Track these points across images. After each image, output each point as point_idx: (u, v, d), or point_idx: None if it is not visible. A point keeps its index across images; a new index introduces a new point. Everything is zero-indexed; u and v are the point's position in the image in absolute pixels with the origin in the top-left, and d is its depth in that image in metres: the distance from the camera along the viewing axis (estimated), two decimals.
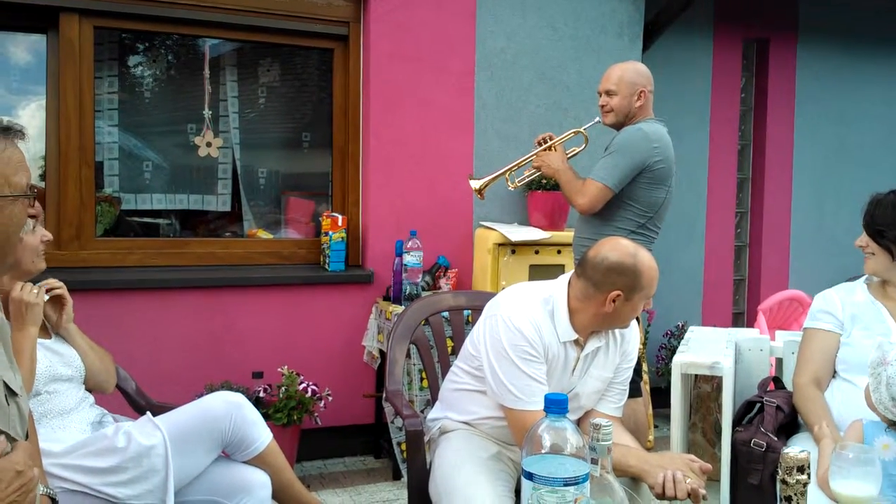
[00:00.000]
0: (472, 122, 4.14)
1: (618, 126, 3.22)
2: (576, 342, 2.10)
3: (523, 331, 2.02)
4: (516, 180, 3.52)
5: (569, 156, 3.35)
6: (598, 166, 3.11)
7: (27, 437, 1.57)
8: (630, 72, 3.20)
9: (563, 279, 2.15)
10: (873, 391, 2.00)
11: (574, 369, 2.12)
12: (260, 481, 2.14)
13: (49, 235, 2.22)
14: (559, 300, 2.09)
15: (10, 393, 1.48)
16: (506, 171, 3.46)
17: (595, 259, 2.04)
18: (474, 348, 2.17)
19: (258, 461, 2.18)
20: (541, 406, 1.90)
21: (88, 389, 2.30)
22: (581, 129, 3.42)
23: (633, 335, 2.23)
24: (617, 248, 2.04)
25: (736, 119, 5.16)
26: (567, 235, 3.76)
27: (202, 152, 4.00)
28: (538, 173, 3.43)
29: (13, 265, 1.47)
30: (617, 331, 2.17)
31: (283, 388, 3.58)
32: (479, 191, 3.45)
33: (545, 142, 3.36)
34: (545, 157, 3.30)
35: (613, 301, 2.01)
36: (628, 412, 2.35)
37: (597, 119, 3.36)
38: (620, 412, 2.25)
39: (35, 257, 2.17)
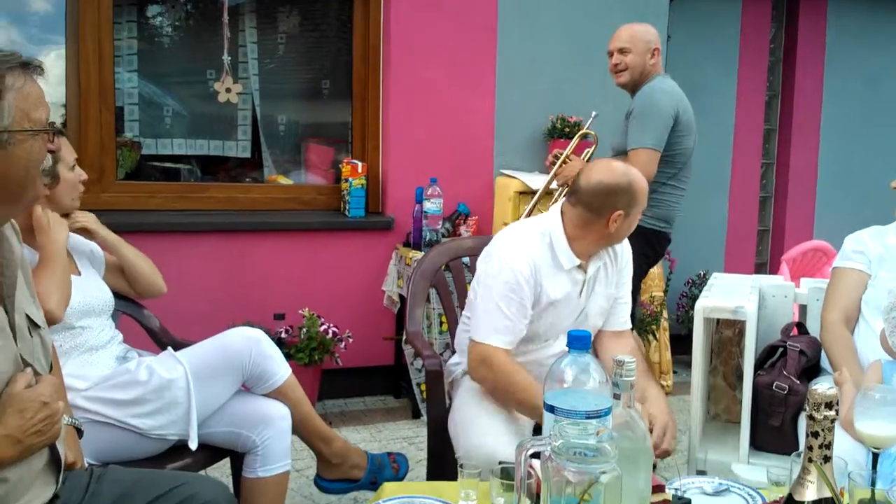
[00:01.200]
0: (494, 71, 4.08)
1: (631, 86, 3.24)
2: (579, 267, 2.15)
3: (515, 269, 2.06)
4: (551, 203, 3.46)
5: (585, 158, 3.34)
6: (633, 136, 3.10)
7: (51, 369, 1.59)
8: (642, 30, 3.24)
9: (555, 211, 2.19)
10: (890, 335, 2.02)
11: (581, 292, 2.17)
12: (280, 413, 2.16)
13: (85, 175, 2.26)
14: (556, 231, 2.13)
15: (34, 325, 1.49)
16: (537, 201, 3.42)
17: (590, 185, 2.09)
18: (473, 291, 2.21)
19: (278, 394, 2.20)
20: (503, 346, 2.04)
21: (140, 295, 2.41)
22: (585, 130, 3.43)
23: (625, 249, 2.29)
24: (608, 170, 2.11)
25: (764, 70, 5.05)
26: None
27: (221, 98, 3.97)
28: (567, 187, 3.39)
29: (34, 200, 1.46)
30: (612, 248, 2.23)
31: (304, 330, 3.61)
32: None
33: (557, 157, 3.34)
34: (566, 171, 3.26)
35: (615, 221, 2.08)
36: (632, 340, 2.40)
37: (594, 114, 3.40)
38: (629, 324, 2.35)
39: (75, 195, 2.21)
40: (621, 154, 3.19)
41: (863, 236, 2.38)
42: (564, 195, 2.22)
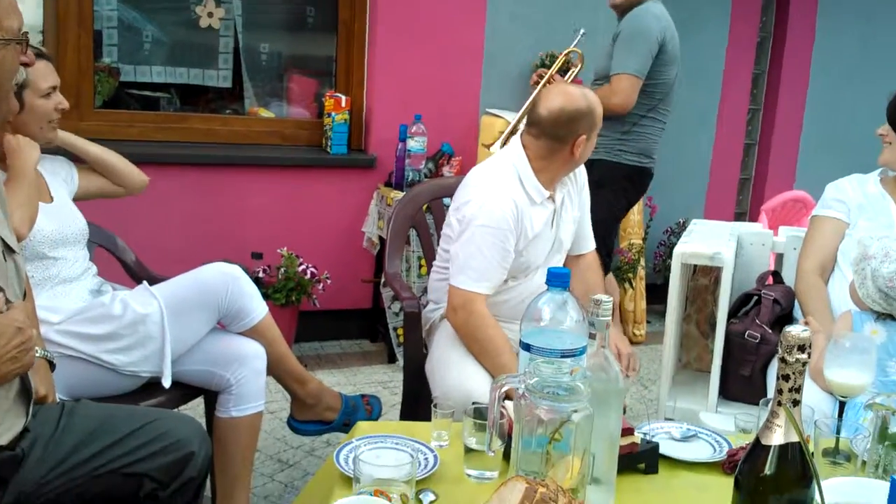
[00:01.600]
0: (485, 5, 3.99)
1: (623, 7, 3.17)
2: (549, 199, 2.17)
3: (499, 214, 2.05)
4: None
5: (569, 79, 3.27)
6: (616, 59, 3.06)
7: (25, 296, 1.56)
8: None
9: (516, 145, 2.18)
10: (859, 287, 2.05)
11: (553, 221, 2.19)
12: (255, 352, 2.16)
13: (66, 104, 2.17)
14: (523, 166, 2.13)
15: (8, 250, 1.47)
16: (517, 122, 3.34)
17: (552, 114, 2.08)
18: (447, 241, 2.19)
19: (253, 333, 2.19)
20: (485, 291, 2.04)
21: (126, 189, 2.36)
22: (571, 49, 3.35)
23: (580, 169, 2.31)
24: (566, 96, 2.11)
25: (757, 11, 4.97)
26: None
27: (203, 23, 3.87)
28: None
29: (6, 115, 1.40)
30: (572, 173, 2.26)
31: (282, 270, 3.59)
32: (503, 144, 3.32)
33: (541, 77, 3.27)
34: None
35: (579, 146, 2.09)
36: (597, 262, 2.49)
37: (582, 31, 3.33)
38: (592, 244, 2.42)
39: (44, 124, 2.12)
40: (603, 78, 3.15)
41: (844, 184, 2.38)
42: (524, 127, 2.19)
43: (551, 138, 2.09)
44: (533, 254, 2.17)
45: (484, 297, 2.07)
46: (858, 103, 5.17)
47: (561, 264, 2.29)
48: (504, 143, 3.28)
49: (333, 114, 3.84)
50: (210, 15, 3.85)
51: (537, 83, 3.31)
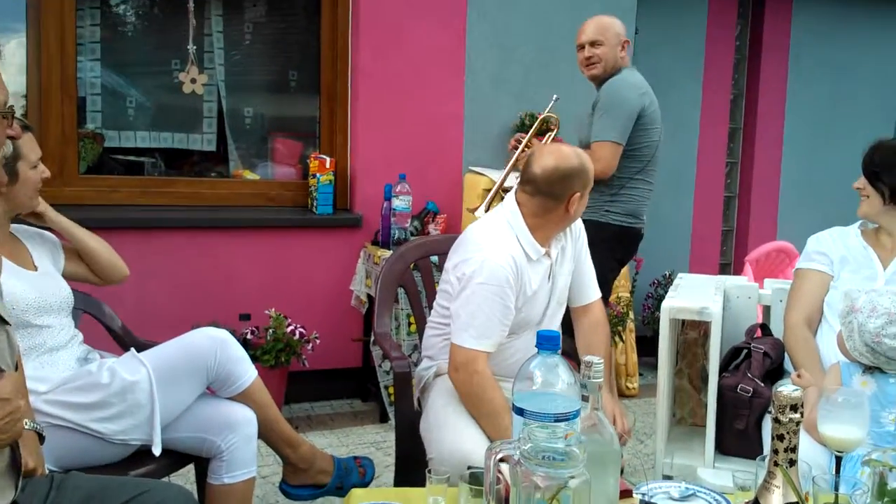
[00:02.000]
0: (464, 64, 4.06)
1: (601, 78, 3.23)
2: (546, 255, 2.19)
3: (499, 272, 2.05)
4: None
5: (546, 141, 3.35)
6: (597, 128, 3.11)
7: (17, 367, 1.54)
8: (611, 22, 3.25)
9: (511, 202, 2.20)
10: (847, 339, 2.06)
11: (549, 277, 2.21)
12: (246, 417, 2.13)
13: (48, 173, 2.21)
14: (518, 224, 2.15)
15: (1, 321, 1.45)
16: (499, 187, 3.39)
17: (546, 174, 2.11)
18: (446, 298, 2.19)
19: (243, 398, 2.17)
20: (488, 349, 2.05)
21: (103, 280, 2.38)
22: (546, 113, 3.42)
23: (576, 222, 2.32)
24: (559, 155, 2.14)
25: (729, 67, 5.11)
26: None
27: (187, 89, 3.91)
28: None
29: None
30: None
31: (270, 331, 3.57)
32: (487, 209, 3.36)
33: (519, 142, 3.34)
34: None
35: (574, 203, 2.13)
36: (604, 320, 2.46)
37: (555, 97, 3.41)
38: (595, 294, 2.40)
39: (33, 194, 2.16)
40: (585, 147, 3.19)
41: (825, 237, 2.42)
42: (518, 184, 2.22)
43: (546, 196, 2.12)
44: (531, 310, 2.18)
45: (486, 355, 2.06)
46: (833, 154, 5.29)
47: (560, 318, 2.30)
48: (488, 208, 3.32)
49: (318, 174, 3.87)
50: (193, 81, 3.90)
51: (516, 147, 3.36)
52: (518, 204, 2.18)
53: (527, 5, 4.15)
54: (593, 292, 2.40)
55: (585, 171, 2.14)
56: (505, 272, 2.05)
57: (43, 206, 2.24)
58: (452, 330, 2.11)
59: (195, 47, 3.91)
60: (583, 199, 2.16)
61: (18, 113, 1.45)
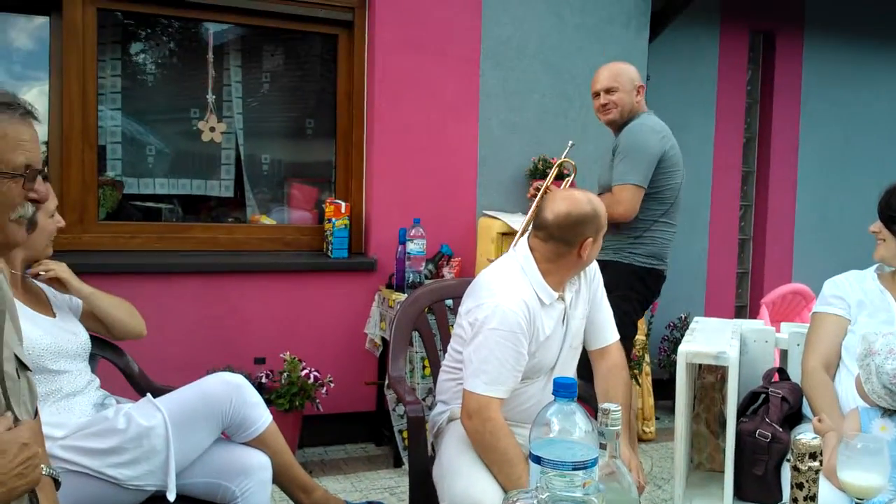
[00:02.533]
0: (477, 111, 4.12)
1: (617, 124, 3.25)
2: (559, 299, 2.19)
3: (511, 318, 2.04)
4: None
5: (564, 186, 3.38)
6: (618, 172, 3.12)
7: (36, 413, 1.56)
8: (625, 68, 3.27)
9: (523, 247, 2.21)
10: (865, 382, 2.04)
11: (564, 320, 2.21)
12: (260, 463, 2.13)
13: (63, 223, 2.28)
14: (530, 269, 2.16)
15: (22, 367, 1.47)
16: (521, 235, 3.41)
17: (558, 219, 2.12)
18: (460, 342, 2.19)
19: (258, 443, 2.17)
20: (501, 396, 2.03)
21: (118, 340, 2.43)
22: (564, 160, 3.43)
23: (595, 269, 2.34)
24: (572, 201, 2.14)
25: (742, 111, 5.14)
26: None
27: (205, 137, 3.98)
28: None
29: (5, 246, 1.42)
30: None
31: (285, 374, 3.57)
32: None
33: (538, 190, 3.37)
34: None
35: (586, 249, 2.13)
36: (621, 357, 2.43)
37: (571, 143, 3.42)
38: (613, 337, 2.38)
39: (47, 242, 2.22)
40: (606, 190, 3.21)
41: (841, 281, 2.41)
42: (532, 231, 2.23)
43: (558, 241, 2.13)
44: (545, 355, 2.17)
45: (499, 401, 2.04)
46: (847, 196, 5.30)
47: (575, 363, 2.28)
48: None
49: (334, 219, 3.91)
50: (212, 129, 3.98)
51: (534, 196, 3.38)
52: (531, 249, 2.18)
53: (539, 53, 4.21)
54: (610, 335, 2.37)
55: (598, 217, 2.14)
56: (517, 318, 2.04)
57: (67, 274, 2.28)
58: (465, 375, 2.10)
59: (214, 96, 3.99)
60: (595, 243, 2.16)
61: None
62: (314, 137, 4.36)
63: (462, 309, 2.21)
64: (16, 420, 1.40)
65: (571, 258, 2.14)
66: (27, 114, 1.38)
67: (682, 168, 3.22)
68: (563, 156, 3.45)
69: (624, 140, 3.16)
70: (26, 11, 3.69)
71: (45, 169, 1.51)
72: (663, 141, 3.14)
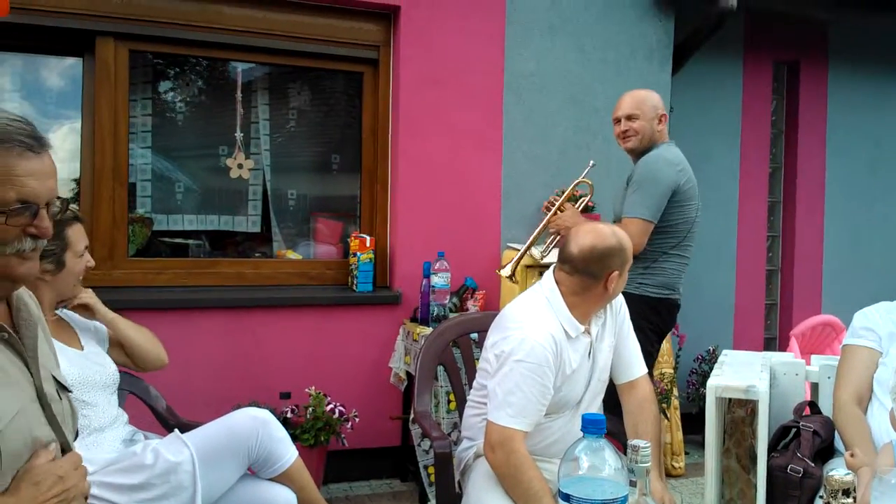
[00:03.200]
0: (501, 145, 4.15)
1: (638, 151, 3.23)
2: (585, 332, 2.19)
3: (538, 350, 2.05)
4: (542, 251, 3.51)
5: (580, 206, 3.36)
6: (629, 203, 3.10)
7: (76, 435, 1.57)
8: (647, 96, 3.26)
9: (549, 280, 2.21)
10: None
11: (590, 354, 2.21)
12: (285, 498, 2.14)
13: (93, 263, 2.31)
14: (556, 302, 2.16)
15: (62, 389, 1.48)
16: (529, 245, 3.43)
17: (584, 253, 2.13)
18: (484, 376, 2.19)
19: (284, 478, 2.18)
20: (525, 429, 2.02)
21: (141, 370, 2.46)
22: (582, 179, 3.41)
23: (621, 302, 2.35)
24: (597, 234, 2.16)
25: (767, 142, 5.12)
26: None
27: (234, 174, 4.05)
28: (560, 236, 3.40)
29: (4, 277, 1.41)
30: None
31: (310, 409, 3.57)
32: (511, 276, 3.38)
33: (553, 203, 3.37)
34: (559, 220, 3.30)
35: (612, 282, 2.13)
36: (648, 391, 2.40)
37: (592, 163, 3.40)
38: (641, 370, 2.36)
39: (76, 282, 2.26)
40: (617, 221, 3.20)
41: (872, 313, 2.38)
42: (555, 261, 2.24)
43: (584, 275, 2.13)
44: (571, 390, 2.17)
45: (523, 434, 2.03)
46: (875, 225, 5.25)
47: (601, 398, 2.27)
48: (513, 270, 3.35)
49: (359, 253, 3.93)
50: (240, 166, 4.04)
51: (548, 209, 3.37)
52: (557, 282, 2.19)
53: (562, 86, 4.24)
54: (638, 368, 2.36)
55: (623, 250, 2.15)
56: (544, 351, 2.04)
57: (93, 300, 2.35)
58: (489, 408, 2.09)
59: (242, 134, 4.06)
60: (622, 276, 2.16)
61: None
62: (339, 173, 4.41)
63: (488, 342, 2.21)
64: (63, 447, 1.42)
65: (597, 291, 2.14)
66: (27, 148, 1.34)
67: (697, 201, 3.18)
68: (582, 175, 3.42)
69: (639, 171, 3.14)
70: (60, 53, 3.79)
71: (59, 203, 1.48)
72: (679, 174, 3.10)
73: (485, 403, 2.19)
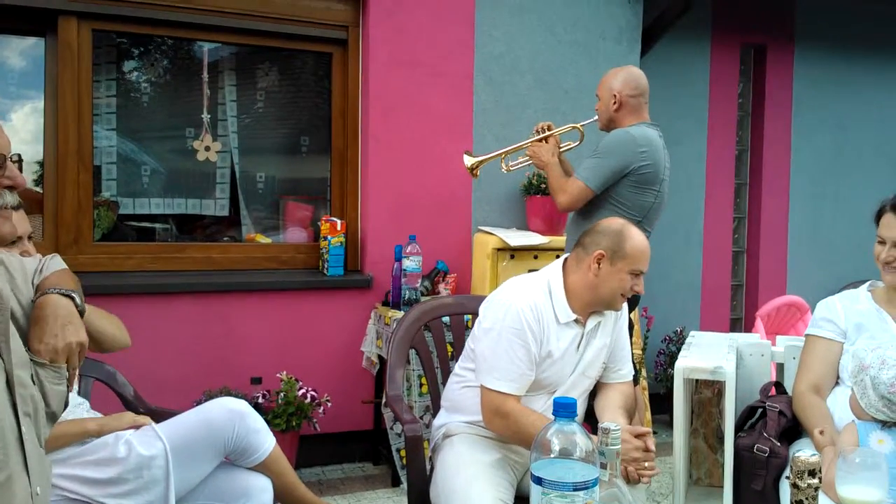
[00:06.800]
0: (471, 127, 4.14)
1: (605, 130, 3.25)
2: (576, 321, 2.19)
3: (519, 314, 2.09)
4: (510, 163, 3.48)
5: (563, 149, 3.34)
6: (583, 165, 3.13)
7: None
8: (612, 77, 3.24)
9: (557, 263, 2.26)
10: (861, 398, 2.06)
11: (579, 345, 2.21)
12: (261, 486, 2.13)
13: (31, 253, 2.11)
14: (555, 283, 2.20)
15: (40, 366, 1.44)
16: (501, 154, 3.42)
17: (589, 228, 2.22)
18: (474, 340, 2.22)
19: (262, 468, 2.17)
20: (514, 392, 2.06)
21: (103, 351, 2.28)
22: (578, 125, 3.38)
23: (624, 307, 2.33)
24: (609, 219, 2.26)
25: (733, 124, 5.17)
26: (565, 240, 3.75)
27: (201, 157, 3.99)
28: (530, 161, 3.41)
29: None
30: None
31: (281, 394, 3.56)
32: (471, 169, 3.40)
33: (543, 130, 3.35)
34: (537, 149, 3.30)
35: (598, 263, 2.14)
36: (630, 392, 2.40)
37: (595, 117, 3.36)
38: (630, 375, 2.38)
39: None
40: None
41: (833, 304, 2.40)
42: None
43: (580, 247, 2.20)
44: (554, 374, 2.18)
45: (514, 398, 2.09)
46: (840, 206, 5.33)
47: (582, 390, 2.26)
48: (476, 165, 3.37)
49: (329, 237, 3.91)
50: (207, 149, 3.99)
51: (539, 132, 3.33)
52: (564, 266, 2.24)
53: (532, 69, 4.24)
54: (620, 374, 2.36)
55: (620, 236, 2.14)
56: (524, 315, 2.09)
57: None
58: (477, 372, 2.15)
59: (209, 115, 4.00)
60: (612, 268, 2.13)
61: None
62: (309, 155, 4.37)
63: (480, 312, 2.24)
64: (19, 428, 1.37)
65: (584, 268, 2.16)
66: None
67: (657, 188, 3.11)
68: (582, 123, 3.37)
69: (603, 141, 3.13)
70: (22, 33, 3.70)
71: (16, 156, 1.44)
72: (639, 155, 3.03)
73: (467, 372, 2.25)
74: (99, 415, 2.26)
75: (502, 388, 2.08)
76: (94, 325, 2.32)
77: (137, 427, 2.11)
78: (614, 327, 2.31)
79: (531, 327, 2.10)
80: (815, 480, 1.20)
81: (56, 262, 1.65)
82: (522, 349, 2.09)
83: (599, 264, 2.14)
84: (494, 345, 2.10)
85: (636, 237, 2.16)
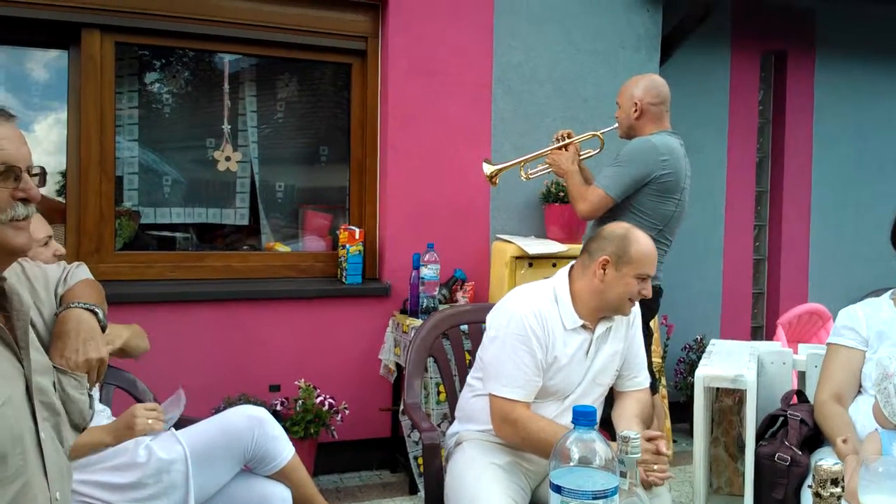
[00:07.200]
0: (490, 136, 4.14)
1: (626, 138, 3.25)
2: (584, 327, 2.19)
3: (524, 321, 2.10)
4: (529, 171, 3.49)
5: (583, 157, 3.34)
6: (603, 173, 3.13)
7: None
8: (632, 85, 3.24)
9: (563, 270, 2.26)
10: (884, 406, 2.04)
11: (588, 351, 2.20)
12: (280, 495, 2.14)
13: (62, 250, 2.20)
14: (561, 290, 2.19)
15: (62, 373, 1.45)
16: (521, 161, 3.45)
17: (596, 233, 2.22)
18: (482, 349, 2.24)
19: (280, 476, 2.17)
20: (522, 399, 2.06)
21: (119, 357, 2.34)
22: (598, 133, 3.39)
23: (636, 312, 2.32)
24: (614, 223, 2.26)
25: (754, 131, 5.14)
26: None
27: (221, 167, 4.03)
28: (549, 169, 3.41)
29: (3, 251, 1.38)
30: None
31: (299, 402, 3.57)
32: (491, 177, 3.42)
33: (563, 138, 3.35)
34: (557, 156, 3.31)
35: (603, 268, 2.13)
36: (647, 400, 2.38)
37: (615, 125, 3.36)
38: (647, 382, 2.36)
39: None
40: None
41: (856, 312, 2.38)
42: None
43: (586, 251, 2.21)
44: (562, 381, 2.18)
45: (523, 405, 2.09)
46: (861, 214, 5.28)
47: (594, 398, 2.25)
48: (495, 174, 3.43)
49: (348, 245, 3.93)
50: (227, 159, 4.02)
51: (559, 140, 3.34)
52: (570, 273, 2.23)
53: (550, 78, 4.24)
54: (636, 382, 2.34)
55: (624, 241, 2.14)
56: (528, 321, 2.10)
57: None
58: (485, 380, 2.16)
59: (230, 126, 4.04)
60: (617, 273, 2.13)
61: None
62: (328, 165, 4.40)
63: (488, 321, 2.25)
64: (38, 434, 1.36)
65: (590, 275, 2.16)
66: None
67: (678, 197, 3.10)
68: (602, 131, 3.38)
69: (624, 150, 3.13)
70: (46, 46, 3.75)
71: (38, 168, 1.44)
72: (661, 164, 3.03)
73: (477, 381, 2.26)
74: None
75: (509, 394, 2.08)
76: (130, 345, 2.34)
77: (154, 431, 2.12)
78: (627, 333, 2.29)
79: (535, 333, 2.10)
80: (838, 489, 1.19)
81: (82, 271, 1.66)
82: (528, 355, 2.09)
83: (605, 270, 2.13)
84: (500, 352, 2.11)
85: (641, 241, 2.15)
